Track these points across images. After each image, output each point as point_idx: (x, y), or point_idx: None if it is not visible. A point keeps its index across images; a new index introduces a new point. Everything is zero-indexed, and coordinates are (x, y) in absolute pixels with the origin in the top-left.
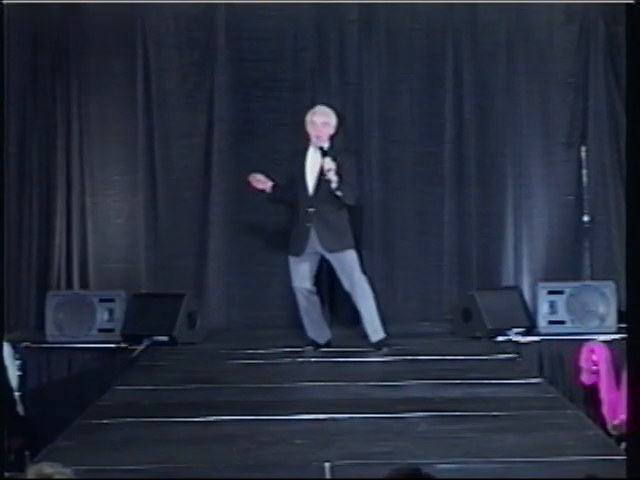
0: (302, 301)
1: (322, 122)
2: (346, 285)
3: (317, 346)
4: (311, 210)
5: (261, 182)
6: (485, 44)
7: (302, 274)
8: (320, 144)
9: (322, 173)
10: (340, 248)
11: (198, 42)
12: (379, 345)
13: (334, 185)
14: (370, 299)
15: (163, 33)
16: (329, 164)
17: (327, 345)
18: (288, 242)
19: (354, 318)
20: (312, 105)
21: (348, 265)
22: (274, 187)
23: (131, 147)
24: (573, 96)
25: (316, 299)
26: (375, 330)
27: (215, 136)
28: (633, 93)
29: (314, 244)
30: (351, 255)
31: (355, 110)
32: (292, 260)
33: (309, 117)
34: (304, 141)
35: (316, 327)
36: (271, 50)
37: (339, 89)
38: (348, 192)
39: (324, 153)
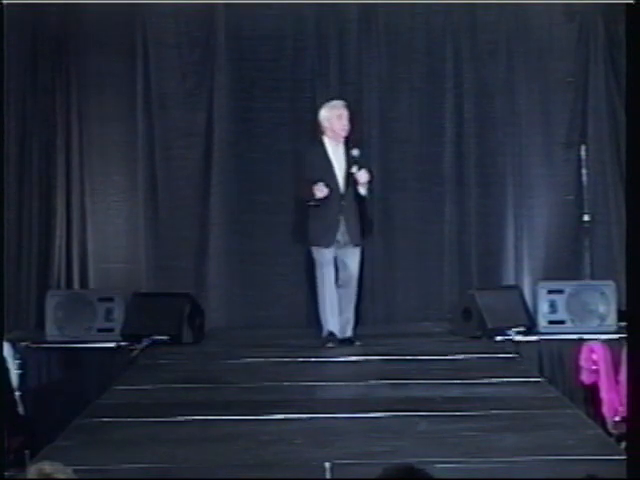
0: (328, 293)
1: (347, 116)
2: (342, 277)
3: (337, 340)
4: (343, 203)
5: (324, 192)
6: (485, 44)
7: (333, 264)
8: (343, 138)
9: (349, 167)
10: (360, 243)
11: (198, 42)
12: (352, 340)
13: (364, 192)
14: (354, 302)
15: (163, 33)
16: (365, 177)
17: (346, 341)
18: (314, 234)
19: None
20: (312, 105)
21: (354, 261)
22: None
23: (131, 147)
24: (573, 96)
25: (337, 291)
26: (351, 329)
27: (215, 136)
28: (633, 93)
29: (340, 236)
30: (359, 252)
31: (355, 110)
32: (320, 252)
33: (332, 112)
34: (318, 135)
35: (336, 321)
36: (271, 50)
37: (339, 89)
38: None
39: (356, 162)
